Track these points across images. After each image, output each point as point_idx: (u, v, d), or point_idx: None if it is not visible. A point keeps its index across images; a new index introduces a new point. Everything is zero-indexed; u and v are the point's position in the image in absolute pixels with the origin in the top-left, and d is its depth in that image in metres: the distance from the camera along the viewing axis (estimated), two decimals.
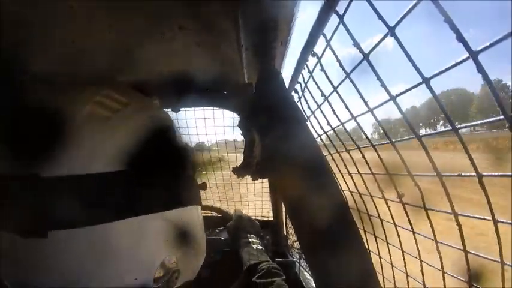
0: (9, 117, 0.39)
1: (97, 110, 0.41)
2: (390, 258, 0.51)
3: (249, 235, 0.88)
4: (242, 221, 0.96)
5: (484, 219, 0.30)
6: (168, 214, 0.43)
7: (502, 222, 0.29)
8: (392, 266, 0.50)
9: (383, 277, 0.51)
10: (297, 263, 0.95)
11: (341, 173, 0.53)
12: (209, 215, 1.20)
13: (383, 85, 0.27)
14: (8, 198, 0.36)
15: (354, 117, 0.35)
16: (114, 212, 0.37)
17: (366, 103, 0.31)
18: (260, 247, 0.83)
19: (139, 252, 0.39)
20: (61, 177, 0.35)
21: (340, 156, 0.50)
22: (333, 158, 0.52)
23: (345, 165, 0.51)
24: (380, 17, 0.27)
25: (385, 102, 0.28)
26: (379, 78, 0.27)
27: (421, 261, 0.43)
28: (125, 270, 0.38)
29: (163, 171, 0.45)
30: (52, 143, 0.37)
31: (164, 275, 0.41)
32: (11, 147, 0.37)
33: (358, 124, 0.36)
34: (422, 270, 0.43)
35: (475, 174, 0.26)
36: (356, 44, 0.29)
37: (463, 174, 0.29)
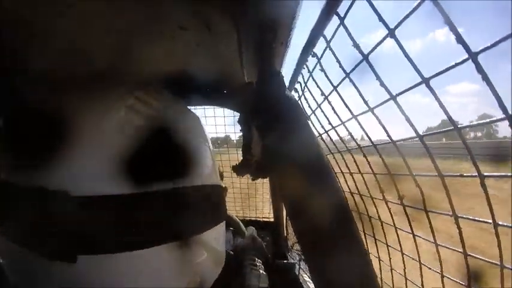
0: (31, 127, 0.36)
1: (128, 117, 0.37)
2: (390, 260, 0.50)
3: (256, 259, 0.85)
4: (255, 243, 0.93)
5: (485, 222, 0.30)
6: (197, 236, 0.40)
7: (502, 225, 0.29)
8: (392, 268, 0.50)
9: (381, 280, 0.51)
10: (296, 265, 0.95)
11: (342, 173, 0.53)
12: None
13: (382, 84, 0.27)
14: (33, 214, 0.32)
15: (354, 116, 0.35)
16: (149, 238, 0.34)
17: (366, 102, 0.31)
18: (264, 273, 0.81)
19: (167, 277, 0.37)
20: (93, 196, 0.32)
21: (342, 156, 0.50)
22: (334, 158, 0.52)
23: (346, 165, 0.51)
24: (380, 19, 0.27)
25: (386, 101, 0.28)
26: (378, 78, 0.27)
27: (420, 263, 0.42)
28: None
29: (197, 190, 0.42)
30: (80, 156, 0.33)
31: None
32: (38, 156, 0.33)
33: (360, 123, 0.36)
34: (421, 273, 0.43)
35: (476, 174, 0.26)
36: (356, 46, 0.29)
37: (464, 174, 0.29)
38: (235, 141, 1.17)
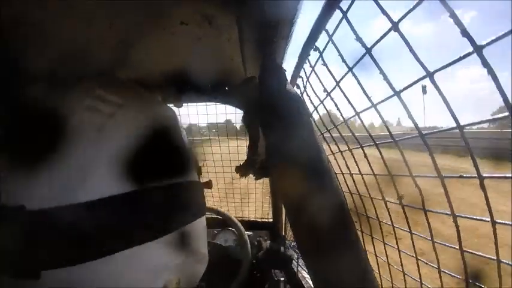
0: None
1: (90, 117, 0.36)
2: (387, 259, 0.50)
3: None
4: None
5: (482, 220, 0.30)
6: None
7: (500, 223, 0.29)
8: (389, 266, 0.50)
9: (380, 278, 0.51)
10: (294, 262, 0.94)
11: (342, 173, 0.53)
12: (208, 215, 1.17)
13: (386, 80, 0.26)
14: None
15: (357, 113, 0.35)
16: (115, 244, 0.33)
17: (369, 98, 0.31)
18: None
19: (141, 278, 0.36)
20: (51, 209, 0.30)
21: (342, 155, 0.50)
22: (334, 158, 0.52)
23: (346, 164, 0.50)
24: (384, 12, 0.27)
25: (389, 97, 0.28)
26: (382, 73, 0.26)
27: (417, 259, 0.42)
28: None
29: (170, 186, 0.41)
30: (39, 163, 0.32)
31: None
32: None
33: (362, 121, 0.35)
34: (419, 270, 0.43)
35: (476, 175, 0.26)
36: (359, 39, 0.29)
37: (464, 175, 0.29)
38: (237, 126, 1.09)
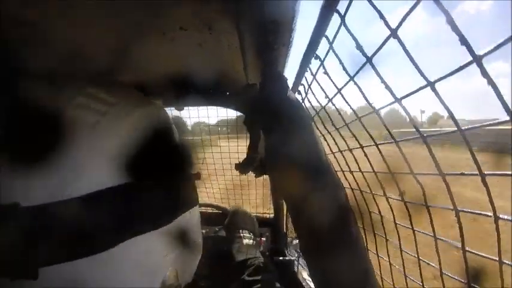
0: None
1: (84, 114, 0.36)
2: (388, 257, 0.51)
3: (240, 231, 0.85)
4: (236, 217, 0.92)
5: (486, 215, 0.30)
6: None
7: (503, 218, 0.29)
8: (391, 265, 0.51)
9: (381, 278, 0.52)
10: (295, 262, 0.95)
11: (342, 171, 0.53)
12: (210, 211, 1.19)
13: (387, 87, 0.27)
14: None
15: (358, 118, 0.35)
16: (111, 238, 0.34)
17: (370, 104, 0.31)
18: (250, 241, 0.80)
19: (139, 272, 0.37)
20: (45, 205, 0.30)
21: (343, 155, 0.50)
22: (335, 157, 0.52)
23: (347, 163, 0.51)
24: (382, 18, 0.27)
25: (391, 103, 0.28)
26: (382, 81, 0.27)
27: (418, 259, 0.43)
28: None
29: (163, 180, 0.43)
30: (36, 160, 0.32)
31: None
32: None
33: (363, 125, 0.36)
34: (420, 269, 0.43)
35: (477, 173, 0.27)
36: (359, 47, 0.29)
37: (466, 173, 0.29)
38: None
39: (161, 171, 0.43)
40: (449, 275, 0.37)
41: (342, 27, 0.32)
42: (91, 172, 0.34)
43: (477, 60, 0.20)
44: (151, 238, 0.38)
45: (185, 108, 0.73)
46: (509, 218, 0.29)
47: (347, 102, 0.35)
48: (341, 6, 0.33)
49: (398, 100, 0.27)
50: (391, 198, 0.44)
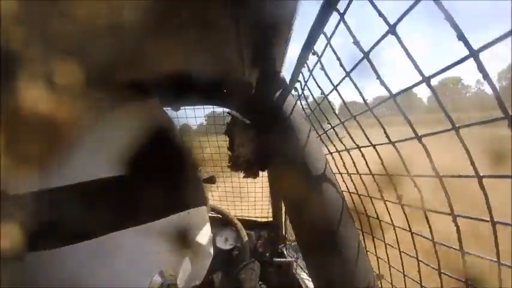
0: None
1: (88, 112, 0.37)
2: (388, 259, 0.51)
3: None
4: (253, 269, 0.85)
5: (483, 220, 0.30)
6: (172, 219, 0.41)
7: (500, 223, 0.29)
8: (390, 266, 0.50)
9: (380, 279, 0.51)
10: (294, 263, 0.95)
11: (340, 173, 0.53)
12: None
13: (383, 84, 0.26)
14: None
15: (353, 116, 0.35)
16: (112, 224, 0.34)
17: (365, 102, 0.31)
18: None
19: (137, 270, 0.37)
20: (34, 193, 0.31)
21: (340, 156, 0.50)
22: (333, 158, 0.52)
23: (344, 165, 0.51)
24: (381, 15, 0.27)
25: (385, 100, 0.28)
26: (379, 77, 0.27)
27: (418, 260, 0.42)
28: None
29: (164, 174, 0.43)
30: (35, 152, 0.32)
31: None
32: None
33: (359, 123, 0.35)
34: (419, 271, 0.43)
35: (474, 175, 0.26)
36: (356, 43, 0.29)
37: (463, 175, 0.29)
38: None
39: (161, 170, 0.43)
40: (449, 274, 0.36)
41: (341, 24, 0.32)
42: (90, 172, 0.35)
43: (474, 55, 0.19)
44: (145, 234, 0.38)
45: (181, 108, 0.73)
46: (507, 222, 0.29)
47: (342, 100, 0.35)
48: (341, 6, 0.33)
49: (393, 96, 0.27)
50: (389, 201, 0.43)
